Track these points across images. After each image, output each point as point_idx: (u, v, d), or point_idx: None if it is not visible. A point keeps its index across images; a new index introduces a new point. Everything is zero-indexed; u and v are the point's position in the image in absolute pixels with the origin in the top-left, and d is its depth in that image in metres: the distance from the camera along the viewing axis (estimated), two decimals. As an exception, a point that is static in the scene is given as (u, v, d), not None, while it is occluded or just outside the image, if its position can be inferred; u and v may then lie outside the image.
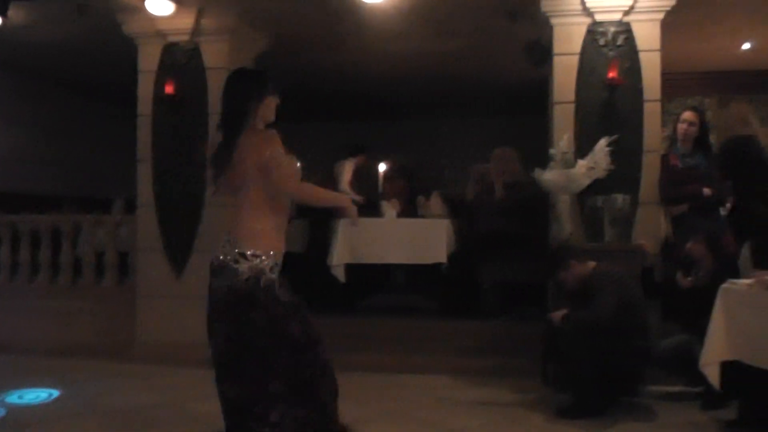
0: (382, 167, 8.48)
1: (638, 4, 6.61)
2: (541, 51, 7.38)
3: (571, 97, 6.76)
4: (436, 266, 7.64)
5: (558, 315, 5.47)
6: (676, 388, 5.90)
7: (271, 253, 3.76)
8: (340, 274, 7.53)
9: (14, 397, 5.76)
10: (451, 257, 7.65)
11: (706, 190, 6.20)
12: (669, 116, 8.37)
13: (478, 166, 8.41)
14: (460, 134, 13.21)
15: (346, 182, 8.86)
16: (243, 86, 3.93)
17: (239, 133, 3.80)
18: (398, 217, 8.12)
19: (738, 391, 4.80)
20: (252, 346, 3.70)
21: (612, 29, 6.69)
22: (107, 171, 11.49)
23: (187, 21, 7.41)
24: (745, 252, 5.52)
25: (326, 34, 8.46)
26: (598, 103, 6.68)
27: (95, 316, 7.98)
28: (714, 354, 4.68)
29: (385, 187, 8.57)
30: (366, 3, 7.30)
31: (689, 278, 5.70)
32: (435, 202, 8.41)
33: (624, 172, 6.54)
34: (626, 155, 6.56)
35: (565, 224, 6.55)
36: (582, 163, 6.44)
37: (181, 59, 7.56)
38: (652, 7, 6.63)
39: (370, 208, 7.95)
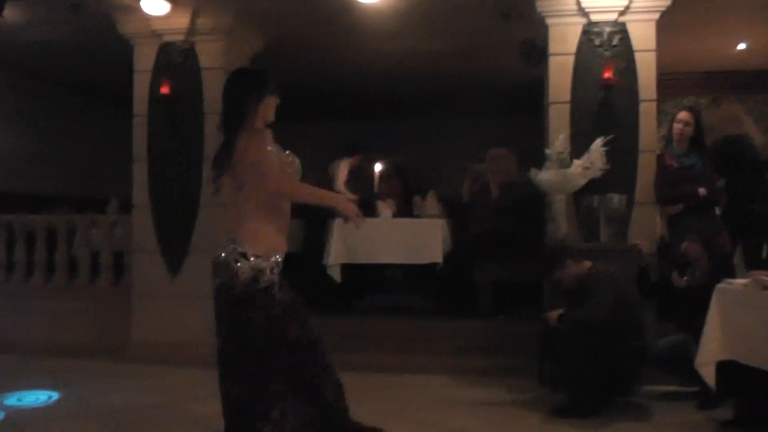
0: (377, 167, 8.48)
1: (633, 5, 6.62)
2: (537, 51, 7.38)
3: (567, 97, 6.76)
4: (432, 266, 7.64)
5: (554, 315, 5.47)
6: (672, 388, 5.91)
7: (272, 253, 3.76)
8: (336, 274, 7.53)
9: (13, 400, 5.72)
10: (447, 257, 7.66)
11: (702, 190, 6.21)
12: (664, 116, 8.38)
13: (473, 166, 8.40)
14: (456, 134, 13.20)
15: (342, 182, 8.85)
16: (242, 86, 3.91)
17: (239, 133, 3.79)
18: (394, 217, 8.13)
19: (733, 390, 4.80)
20: (251, 347, 3.71)
21: (607, 29, 6.70)
22: (102, 171, 11.45)
23: (183, 21, 7.40)
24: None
25: (322, 34, 8.46)
26: (593, 103, 6.69)
27: (90, 316, 7.96)
28: (709, 354, 4.68)
29: (381, 187, 8.58)
30: (362, 3, 7.30)
31: (685, 278, 5.70)
32: (431, 202, 8.41)
33: (620, 172, 6.56)
34: (622, 155, 6.58)
35: (561, 224, 6.56)
36: (578, 163, 6.44)
37: (176, 59, 7.55)
38: (648, 7, 6.64)
39: (365, 208, 7.94)
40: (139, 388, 6.25)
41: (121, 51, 7.79)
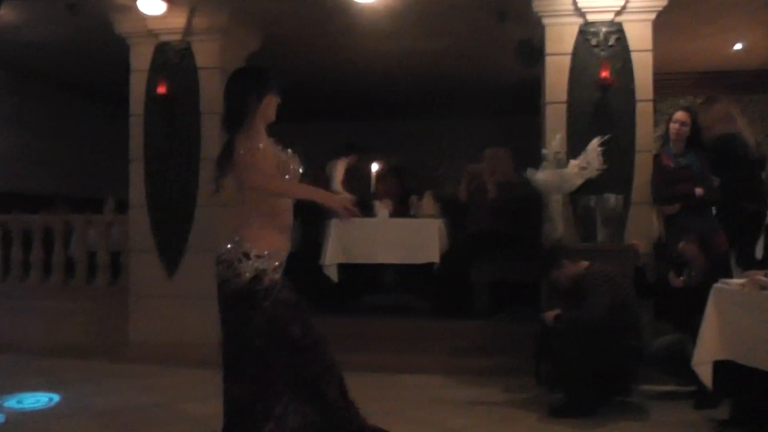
0: (374, 167, 8.48)
1: (630, 5, 6.63)
2: (533, 51, 7.39)
3: (564, 97, 6.77)
4: (429, 266, 7.64)
5: (551, 315, 5.47)
6: (669, 388, 5.90)
7: (275, 252, 3.77)
8: (332, 273, 7.53)
9: (13, 402, 5.67)
10: (444, 257, 7.65)
11: (698, 190, 6.21)
12: (661, 116, 8.40)
13: (470, 166, 8.41)
14: (453, 134, 13.21)
15: (339, 182, 8.85)
16: (242, 85, 3.90)
17: (240, 133, 3.79)
18: (390, 216, 8.12)
19: (730, 390, 4.80)
20: (251, 346, 3.70)
21: (604, 29, 6.71)
22: (99, 170, 11.44)
23: (179, 20, 7.41)
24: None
25: (318, 34, 8.46)
26: (590, 103, 6.71)
27: (87, 316, 7.96)
28: (706, 353, 4.68)
29: (378, 187, 8.57)
30: (358, 2, 7.30)
31: (681, 278, 5.71)
32: (427, 202, 8.41)
33: (616, 171, 6.57)
34: (618, 155, 6.59)
35: (558, 224, 6.56)
36: (574, 163, 6.45)
37: (173, 59, 7.56)
38: (644, 7, 6.66)
39: (362, 208, 7.94)
40: (138, 388, 6.24)
41: (118, 51, 7.79)
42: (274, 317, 3.71)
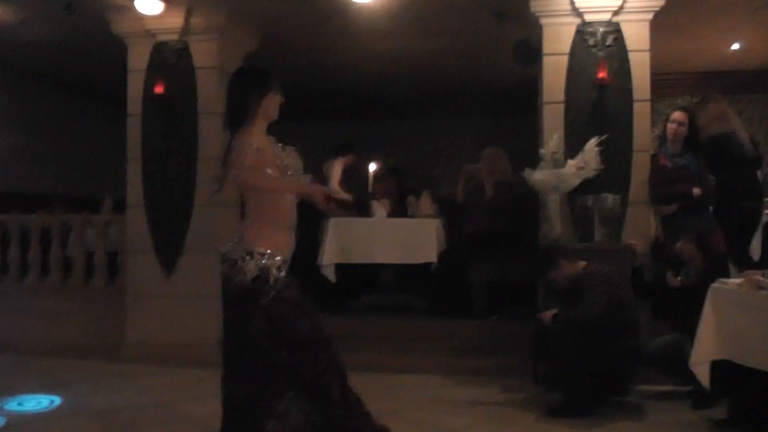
0: (372, 167, 8.48)
1: (627, 5, 6.63)
2: (531, 51, 7.38)
3: (561, 97, 6.77)
4: (427, 266, 7.63)
5: (548, 314, 5.48)
6: (666, 388, 5.91)
7: (278, 251, 3.78)
8: (330, 274, 7.53)
9: (14, 404, 5.65)
10: (441, 257, 7.64)
11: (696, 190, 6.23)
12: (659, 116, 8.41)
13: (468, 165, 8.41)
14: (450, 134, 13.21)
15: (336, 182, 8.83)
16: (243, 84, 3.93)
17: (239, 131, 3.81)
18: (388, 216, 8.11)
19: (728, 390, 4.81)
20: (254, 345, 3.71)
21: (601, 29, 6.71)
22: (96, 170, 11.43)
23: (177, 20, 7.39)
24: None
25: (315, 34, 8.44)
26: (587, 103, 6.70)
27: (85, 316, 7.96)
28: (704, 353, 4.70)
29: (375, 187, 8.56)
30: (355, 2, 7.30)
31: (679, 278, 5.72)
32: (425, 202, 8.40)
33: (614, 171, 6.57)
34: (616, 155, 6.59)
35: (555, 224, 6.56)
36: (572, 163, 6.45)
37: (170, 58, 7.54)
38: (641, 7, 6.65)
39: (360, 208, 7.95)
40: (137, 388, 6.25)
41: (115, 50, 7.78)
42: (278, 315, 3.72)
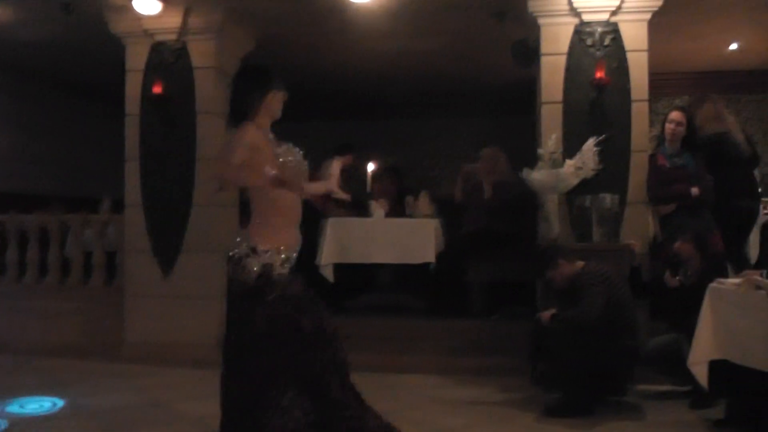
0: (370, 167, 8.48)
1: (625, 5, 6.63)
2: (529, 51, 7.39)
3: (559, 97, 6.77)
4: (425, 266, 7.64)
5: (546, 314, 5.48)
6: (665, 387, 5.92)
7: (282, 248, 3.79)
8: (328, 274, 7.53)
9: (15, 407, 5.61)
10: (440, 257, 7.65)
11: (694, 190, 6.23)
12: (657, 116, 8.41)
13: (466, 165, 8.41)
14: (449, 134, 13.20)
15: (335, 181, 8.82)
16: (245, 83, 3.93)
17: None
18: (386, 216, 8.12)
19: (726, 390, 4.81)
20: (252, 346, 3.71)
21: (599, 29, 6.70)
22: (95, 170, 11.43)
23: (175, 20, 7.38)
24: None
25: (313, 34, 8.44)
26: (585, 103, 6.70)
27: (83, 316, 7.95)
28: (702, 353, 4.70)
29: (374, 187, 8.56)
30: (353, 2, 7.29)
31: (677, 277, 5.72)
32: (423, 202, 8.40)
33: (612, 171, 6.57)
34: (614, 155, 6.59)
35: (554, 224, 6.57)
36: (570, 163, 6.46)
37: (168, 58, 7.54)
38: (640, 7, 6.66)
39: (358, 208, 7.96)
40: (136, 388, 6.25)
41: (114, 50, 7.76)
42: (275, 317, 3.72)
